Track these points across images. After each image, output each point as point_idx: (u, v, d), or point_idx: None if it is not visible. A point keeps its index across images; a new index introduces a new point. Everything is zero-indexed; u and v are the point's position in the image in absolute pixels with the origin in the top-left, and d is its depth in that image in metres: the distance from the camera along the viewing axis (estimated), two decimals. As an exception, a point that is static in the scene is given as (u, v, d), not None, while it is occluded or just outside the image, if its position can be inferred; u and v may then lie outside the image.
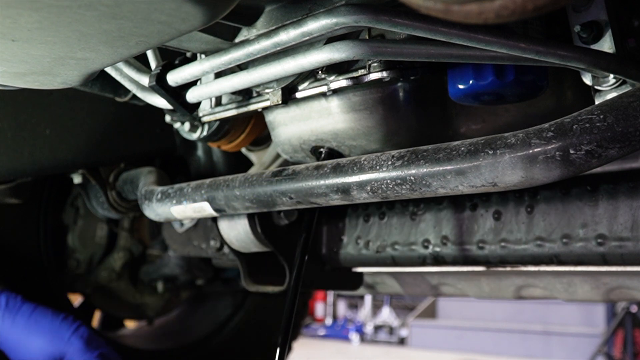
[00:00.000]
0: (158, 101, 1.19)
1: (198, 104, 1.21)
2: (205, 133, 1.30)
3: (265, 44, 0.92)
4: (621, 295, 1.48)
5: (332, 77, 1.03)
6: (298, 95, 1.08)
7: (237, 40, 1.00)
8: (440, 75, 1.02)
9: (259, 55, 0.95)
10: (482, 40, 0.80)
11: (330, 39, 0.93)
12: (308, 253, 1.25)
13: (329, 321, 11.53)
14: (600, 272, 1.41)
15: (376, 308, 11.03)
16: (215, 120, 1.27)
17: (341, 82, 1.02)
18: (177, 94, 1.15)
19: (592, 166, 0.77)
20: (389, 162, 0.91)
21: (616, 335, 6.31)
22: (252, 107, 1.16)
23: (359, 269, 1.57)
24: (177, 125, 1.32)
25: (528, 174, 0.79)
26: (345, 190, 0.97)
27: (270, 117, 1.19)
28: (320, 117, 1.10)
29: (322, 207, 1.12)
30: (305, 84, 1.07)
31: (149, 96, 1.20)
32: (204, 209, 1.21)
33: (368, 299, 11.10)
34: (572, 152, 0.76)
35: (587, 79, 0.89)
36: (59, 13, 0.68)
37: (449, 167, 0.84)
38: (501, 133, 0.83)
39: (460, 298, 2.21)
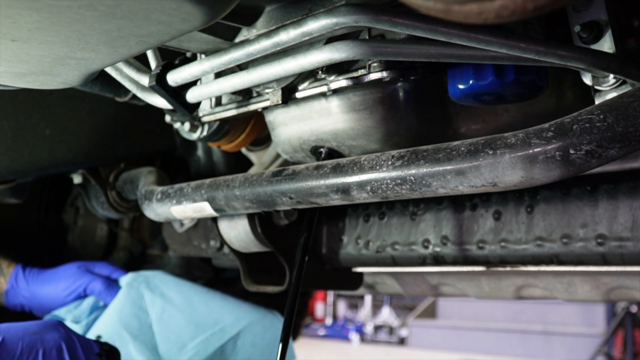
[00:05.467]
0: (158, 101, 1.19)
1: (198, 104, 1.21)
2: (205, 133, 1.30)
3: (265, 44, 0.93)
4: (621, 295, 1.48)
5: (332, 77, 1.03)
6: (298, 95, 1.08)
7: (237, 40, 1.01)
8: (440, 75, 1.02)
9: (259, 55, 0.95)
10: (482, 40, 0.80)
11: (330, 39, 0.93)
12: (308, 253, 1.25)
13: (329, 321, 11.54)
14: (600, 272, 1.41)
15: (376, 308, 11.04)
16: (215, 120, 1.27)
17: (341, 82, 1.02)
18: (177, 94, 1.15)
19: (592, 166, 0.77)
20: (389, 162, 0.91)
21: (616, 335, 6.32)
22: (252, 107, 1.16)
23: (359, 269, 1.57)
24: (177, 125, 1.32)
25: (528, 174, 0.79)
26: (345, 190, 0.97)
27: (270, 117, 1.19)
28: (320, 117, 1.10)
29: (322, 207, 1.12)
30: (305, 84, 1.07)
31: (149, 96, 1.20)
32: (204, 209, 1.21)
33: (368, 299, 11.11)
34: (572, 152, 0.76)
35: (587, 79, 0.89)
36: (59, 13, 0.68)
37: (449, 167, 0.84)
38: (501, 133, 0.83)
39: (460, 298, 2.21)
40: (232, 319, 1.53)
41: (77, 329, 1.46)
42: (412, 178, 0.88)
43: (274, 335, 1.54)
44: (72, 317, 1.48)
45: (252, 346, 1.54)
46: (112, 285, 1.52)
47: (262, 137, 1.46)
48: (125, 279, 1.53)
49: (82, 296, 1.52)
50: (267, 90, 1.09)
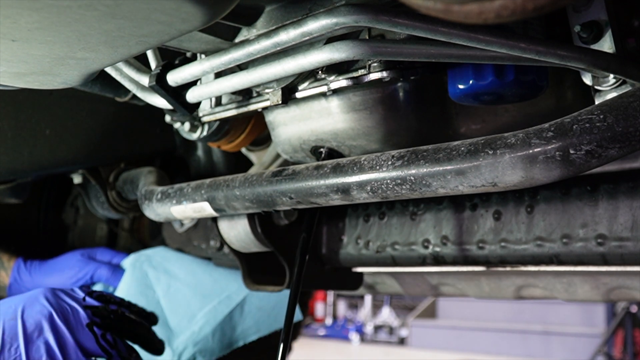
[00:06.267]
0: (158, 101, 1.19)
1: (198, 104, 1.21)
2: (205, 133, 1.30)
3: (265, 44, 0.93)
4: (621, 295, 1.48)
5: (332, 77, 1.03)
6: (298, 95, 1.08)
7: (237, 40, 1.01)
8: (440, 75, 1.02)
9: (259, 55, 0.95)
10: (482, 40, 0.80)
11: (330, 39, 0.93)
12: (308, 253, 1.25)
13: (329, 321, 11.54)
14: (600, 272, 1.41)
15: (376, 308, 11.04)
16: (215, 120, 1.27)
17: (341, 82, 1.02)
18: (177, 94, 1.15)
19: (592, 166, 0.77)
20: (389, 162, 0.91)
21: (616, 335, 6.32)
22: (252, 107, 1.16)
23: (359, 269, 1.57)
24: (177, 125, 1.32)
25: (528, 174, 0.79)
26: (345, 190, 0.97)
27: (270, 117, 1.19)
28: (320, 117, 1.10)
29: (322, 207, 1.12)
30: (305, 84, 1.07)
31: (149, 96, 1.20)
32: (204, 209, 1.21)
33: (368, 299, 11.10)
34: (572, 152, 0.76)
35: (587, 79, 0.89)
36: (59, 13, 0.68)
37: (449, 167, 0.84)
38: (501, 133, 0.83)
39: (460, 298, 2.21)
40: (236, 286, 1.56)
41: None
42: (412, 178, 0.88)
43: (278, 297, 1.58)
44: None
45: (259, 309, 1.57)
46: (118, 270, 1.55)
47: (262, 137, 1.46)
48: (128, 261, 1.56)
49: (89, 284, 1.54)
50: (267, 90, 1.09)
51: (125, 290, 1.49)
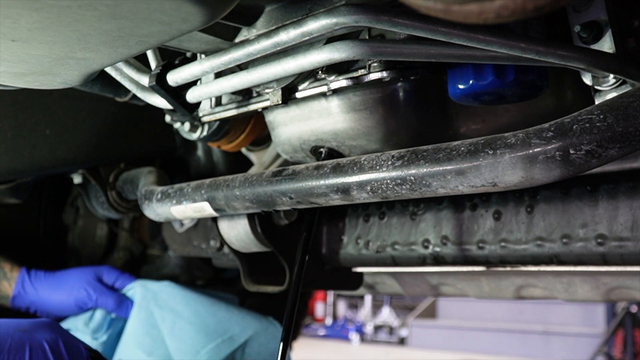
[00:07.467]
0: (158, 101, 1.19)
1: (198, 104, 1.21)
2: (205, 133, 1.30)
3: (265, 44, 0.93)
4: (621, 295, 1.48)
5: (332, 77, 1.03)
6: (298, 95, 1.08)
7: (237, 40, 1.01)
8: (440, 75, 1.02)
9: (259, 55, 0.95)
10: (482, 40, 0.80)
11: (330, 39, 0.93)
12: (308, 253, 1.25)
13: (329, 321, 11.54)
14: (600, 272, 1.41)
15: (376, 308, 11.05)
16: (215, 120, 1.27)
17: (341, 82, 1.02)
18: (177, 94, 1.15)
19: (592, 166, 0.77)
20: (389, 162, 0.91)
21: (616, 335, 6.32)
22: (252, 107, 1.16)
23: (359, 269, 1.57)
24: (177, 125, 1.32)
25: (528, 174, 0.79)
26: (345, 190, 0.97)
27: (270, 117, 1.19)
28: (320, 117, 1.10)
29: (322, 207, 1.12)
30: (305, 84, 1.07)
31: (149, 96, 1.20)
32: (204, 209, 1.21)
33: (368, 299, 11.11)
34: (572, 152, 0.76)
35: (587, 79, 0.89)
36: (59, 13, 0.68)
37: (449, 167, 0.84)
38: (501, 133, 0.83)
39: (460, 298, 2.21)
40: (238, 329, 1.61)
41: (96, 345, 1.54)
42: (412, 178, 0.88)
43: (276, 346, 1.63)
44: (90, 331, 1.55)
45: (258, 354, 1.62)
46: (124, 300, 1.57)
47: (262, 137, 1.46)
48: (136, 297, 1.59)
49: (92, 308, 1.58)
50: (267, 90, 1.09)
51: (131, 333, 1.54)
